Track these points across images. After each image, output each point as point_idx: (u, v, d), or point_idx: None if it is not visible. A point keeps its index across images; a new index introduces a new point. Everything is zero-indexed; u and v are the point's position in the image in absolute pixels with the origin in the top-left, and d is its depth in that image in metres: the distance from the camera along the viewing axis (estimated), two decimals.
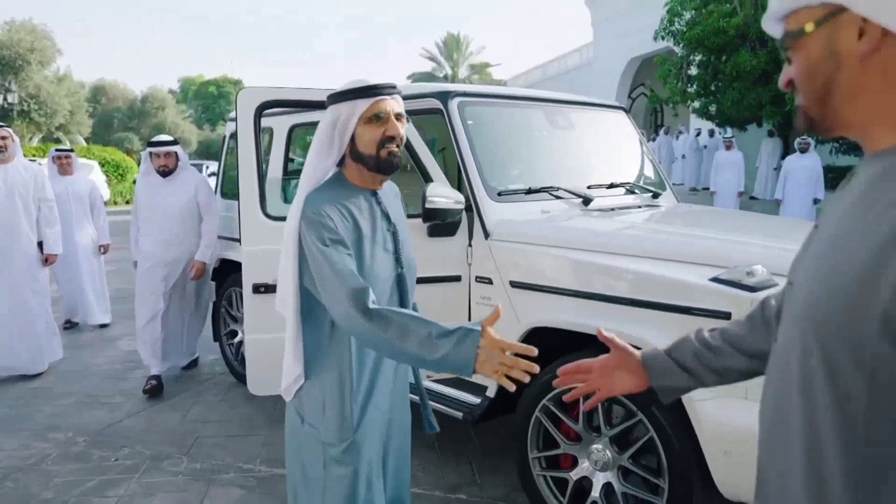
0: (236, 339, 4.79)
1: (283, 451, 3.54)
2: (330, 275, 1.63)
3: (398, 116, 1.77)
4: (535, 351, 1.46)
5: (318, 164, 1.77)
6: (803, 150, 11.59)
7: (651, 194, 3.80)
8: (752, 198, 15.01)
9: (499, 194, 3.18)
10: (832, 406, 0.88)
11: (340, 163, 1.82)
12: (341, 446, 1.79)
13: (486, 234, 3.07)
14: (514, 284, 2.96)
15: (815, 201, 11.49)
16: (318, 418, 1.80)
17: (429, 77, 40.63)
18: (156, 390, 4.51)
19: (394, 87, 1.78)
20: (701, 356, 1.33)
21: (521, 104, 3.58)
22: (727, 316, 2.26)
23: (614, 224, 3.14)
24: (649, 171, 4.07)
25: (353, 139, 1.75)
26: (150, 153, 4.54)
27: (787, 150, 16.28)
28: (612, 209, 3.42)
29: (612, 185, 3.66)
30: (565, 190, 3.37)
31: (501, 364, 1.46)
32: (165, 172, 4.52)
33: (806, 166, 11.47)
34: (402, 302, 1.87)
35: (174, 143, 4.62)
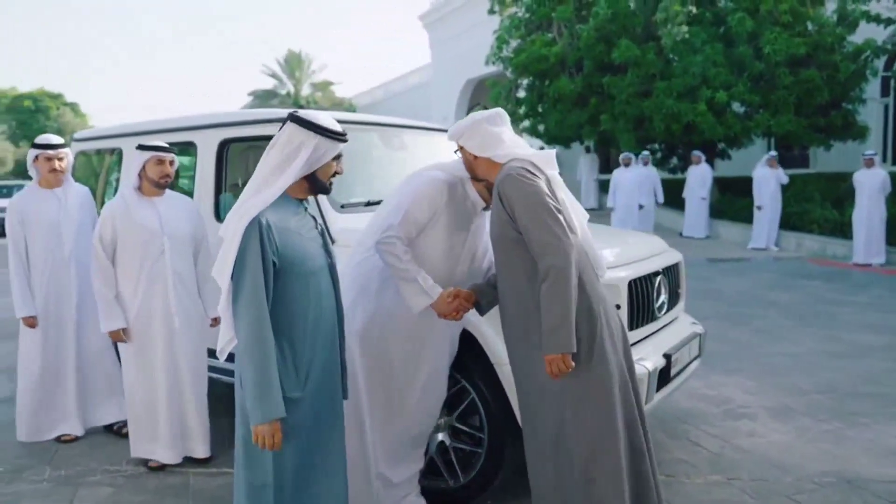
0: None
1: None
2: (247, 283, 2.14)
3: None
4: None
5: (275, 181, 2.23)
6: (626, 165, 13.21)
7: None
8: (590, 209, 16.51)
9: (342, 206, 3.67)
10: (516, 262, 2.46)
11: None
12: (293, 395, 2.22)
13: (332, 240, 3.53)
14: None
15: (640, 206, 13.04)
16: None
17: (271, 94, 40.15)
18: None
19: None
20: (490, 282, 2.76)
21: (359, 128, 4.08)
22: None
23: None
24: None
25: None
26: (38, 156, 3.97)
27: (607, 166, 17.94)
28: None
29: None
30: None
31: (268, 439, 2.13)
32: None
33: (630, 178, 13.05)
34: (335, 283, 2.41)
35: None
